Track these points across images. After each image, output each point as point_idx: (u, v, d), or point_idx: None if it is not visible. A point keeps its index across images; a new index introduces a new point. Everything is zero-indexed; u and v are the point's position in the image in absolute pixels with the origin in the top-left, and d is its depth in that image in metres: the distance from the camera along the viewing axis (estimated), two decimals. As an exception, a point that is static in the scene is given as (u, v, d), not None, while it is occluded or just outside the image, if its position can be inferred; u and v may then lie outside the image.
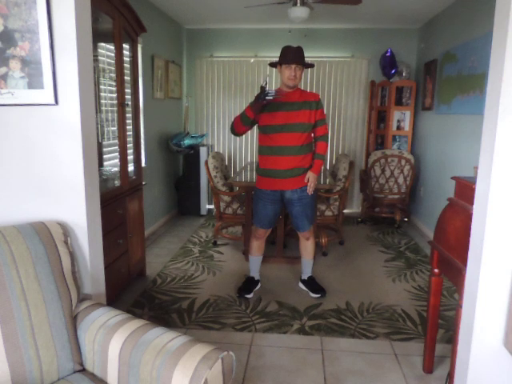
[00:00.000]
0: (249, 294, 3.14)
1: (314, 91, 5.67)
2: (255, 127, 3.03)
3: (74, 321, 1.53)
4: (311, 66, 3.03)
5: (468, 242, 1.67)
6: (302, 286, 3.30)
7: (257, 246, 3.20)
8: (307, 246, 3.20)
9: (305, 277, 3.30)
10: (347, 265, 3.85)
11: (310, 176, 2.92)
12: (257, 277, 3.29)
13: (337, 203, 4.09)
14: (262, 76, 5.68)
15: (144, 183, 3.49)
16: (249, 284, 3.22)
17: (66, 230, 1.63)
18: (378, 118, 5.53)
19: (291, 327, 2.73)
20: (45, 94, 1.66)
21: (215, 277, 3.53)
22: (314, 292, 3.18)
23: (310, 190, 2.93)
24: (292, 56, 2.79)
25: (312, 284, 3.24)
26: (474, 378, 1.64)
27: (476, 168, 1.66)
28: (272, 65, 3.02)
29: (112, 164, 3.31)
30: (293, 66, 2.80)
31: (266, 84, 2.71)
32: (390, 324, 2.78)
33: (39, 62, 1.64)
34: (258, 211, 3.06)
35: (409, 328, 2.73)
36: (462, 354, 1.71)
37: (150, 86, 4.64)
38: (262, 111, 2.87)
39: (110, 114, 3.07)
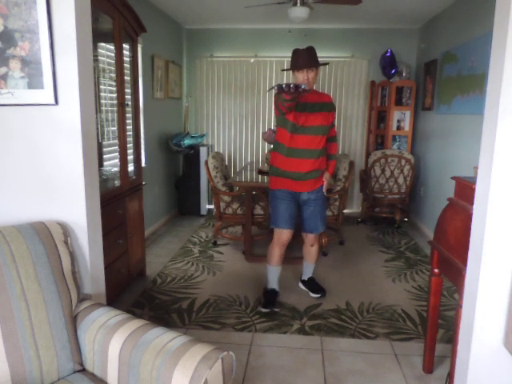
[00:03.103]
0: (276, 307, 2.96)
1: (314, 91, 5.66)
2: (271, 124, 2.96)
3: (73, 321, 1.53)
4: (325, 64, 2.95)
5: (468, 242, 1.67)
6: (301, 286, 3.30)
7: (279, 255, 2.99)
8: (311, 252, 3.16)
9: (305, 277, 3.29)
10: (347, 265, 3.85)
11: (327, 176, 2.94)
12: (277, 288, 3.09)
13: (337, 203, 4.09)
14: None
15: (144, 183, 3.49)
16: (272, 296, 3.03)
17: (65, 230, 1.63)
18: (378, 118, 5.53)
19: (291, 327, 2.73)
20: (45, 94, 1.66)
21: (215, 277, 3.53)
22: (313, 292, 3.17)
23: (325, 189, 2.95)
24: (302, 61, 2.72)
25: (312, 284, 3.23)
26: (474, 378, 1.64)
27: (476, 168, 1.66)
28: (285, 70, 2.99)
29: (112, 164, 3.31)
30: (305, 70, 2.73)
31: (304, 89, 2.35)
32: (390, 324, 2.78)
33: (39, 62, 1.64)
34: (280, 211, 2.89)
35: (409, 328, 2.73)
36: (461, 354, 1.71)
37: (150, 86, 4.64)
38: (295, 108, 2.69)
39: (110, 114, 3.07)
